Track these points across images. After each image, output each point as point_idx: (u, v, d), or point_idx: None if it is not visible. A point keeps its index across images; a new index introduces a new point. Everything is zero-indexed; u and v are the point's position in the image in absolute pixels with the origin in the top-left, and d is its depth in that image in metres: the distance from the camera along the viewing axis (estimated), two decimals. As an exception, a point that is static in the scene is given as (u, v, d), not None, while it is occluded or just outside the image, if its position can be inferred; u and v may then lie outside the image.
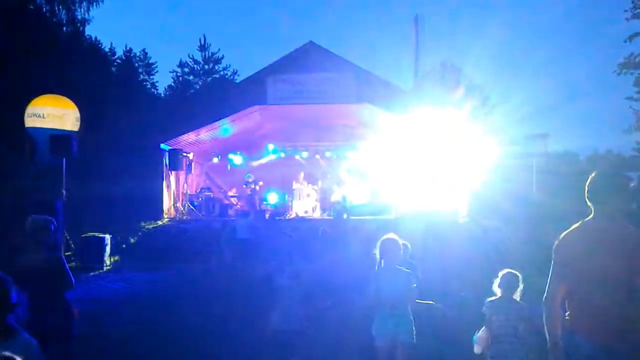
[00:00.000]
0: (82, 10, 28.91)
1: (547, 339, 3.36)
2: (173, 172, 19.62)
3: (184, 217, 19.51)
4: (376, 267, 5.23)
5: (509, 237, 14.60)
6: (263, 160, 21.94)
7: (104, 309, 9.75)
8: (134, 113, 23.61)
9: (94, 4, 29.20)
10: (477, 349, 4.86)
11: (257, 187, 20.50)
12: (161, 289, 11.87)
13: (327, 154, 21.14)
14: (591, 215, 3.43)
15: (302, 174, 20.77)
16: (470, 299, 9.98)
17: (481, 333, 4.85)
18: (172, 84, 43.29)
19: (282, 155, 21.55)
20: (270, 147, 21.62)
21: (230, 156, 21.69)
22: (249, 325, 7.16)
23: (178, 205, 20.25)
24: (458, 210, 19.42)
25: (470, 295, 10.31)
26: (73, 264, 14.04)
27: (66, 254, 14.10)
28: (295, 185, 20.62)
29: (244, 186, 20.52)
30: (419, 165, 20.64)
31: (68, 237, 14.60)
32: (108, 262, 14.88)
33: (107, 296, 11.22)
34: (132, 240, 16.11)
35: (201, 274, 13.41)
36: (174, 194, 20.19)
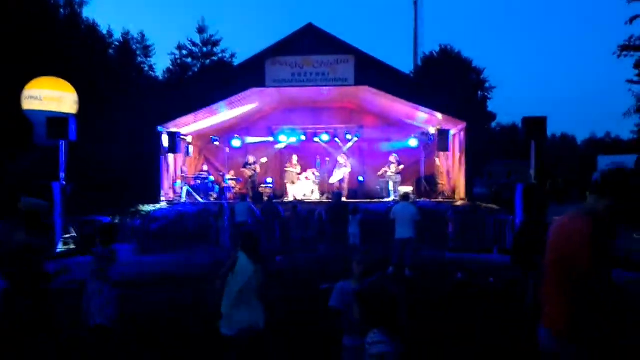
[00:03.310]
0: (80, -9, 28.75)
1: None
2: (171, 155, 19.59)
3: (182, 200, 19.52)
4: None
5: (507, 220, 14.66)
6: (256, 140, 21.88)
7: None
8: (132, 96, 23.56)
9: (91, -15, 29.00)
10: None
11: (258, 169, 20.49)
12: (158, 271, 11.90)
13: (325, 137, 21.06)
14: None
15: (294, 157, 20.72)
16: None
17: None
18: (170, 67, 43.09)
19: (292, 139, 21.31)
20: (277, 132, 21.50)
21: (229, 138, 21.60)
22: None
23: (176, 188, 20.24)
24: (458, 193, 19.51)
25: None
26: (72, 246, 14.07)
27: (65, 236, 14.17)
28: (287, 168, 20.59)
29: (244, 168, 20.49)
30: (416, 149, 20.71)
31: (66, 220, 14.62)
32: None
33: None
34: (130, 224, 16.10)
35: (199, 257, 13.49)
36: (172, 177, 20.18)
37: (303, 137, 21.19)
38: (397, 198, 18.49)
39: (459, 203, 18.10)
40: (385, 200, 18.81)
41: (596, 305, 3.04)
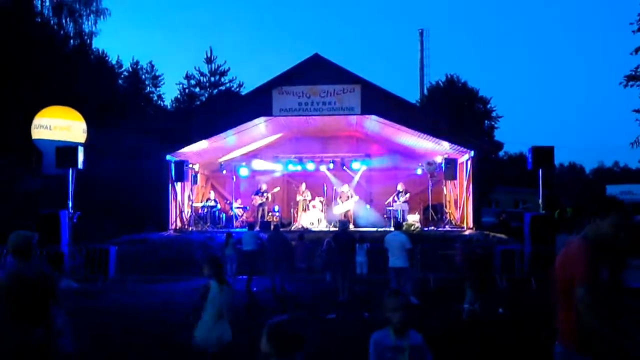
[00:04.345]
0: (90, 23, 29.27)
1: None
2: (179, 183, 19.63)
3: (189, 229, 19.51)
4: None
5: (516, 249, 14.52)
6: (264, 164, 21.84)
7: (108, 320, 9.73)
8: (141, 124, 23.71)
9: (101, 17, 29.57)
10: None
11: (269, 198, 20.52)
12: (165, 300, 11.83)
13: (332, 165, 21.08)
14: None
15: (303, 185, 20.74)
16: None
17: None
18: (179, 96, 43.45)
19: (298, 168, 21.31)
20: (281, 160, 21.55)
21: (236, 167, 21.62)
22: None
23: (184, 216, 20.25)
24: (466, 222, 19.40)
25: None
26: (78, 275, 14.05)
27: (72, 265, 14.14)
28: (298, 197, 20.61)
29: (255, 196, 20.51)
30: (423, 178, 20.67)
31: (74, 248, 14.61)
32: (113, 274, 14.85)
33: (111, 308, 11.20)
34: (137, 252, 16.05)
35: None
36: (180, 205, 20.20)
37: (311, 166, 21.19)
38: (404, 227, 18.42)
39: (467, 232, 17.98)
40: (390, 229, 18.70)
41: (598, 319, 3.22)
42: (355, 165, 21.06)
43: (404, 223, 18.97)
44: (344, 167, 21.18)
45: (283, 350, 2.80)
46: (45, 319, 4.81)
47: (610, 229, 3.37)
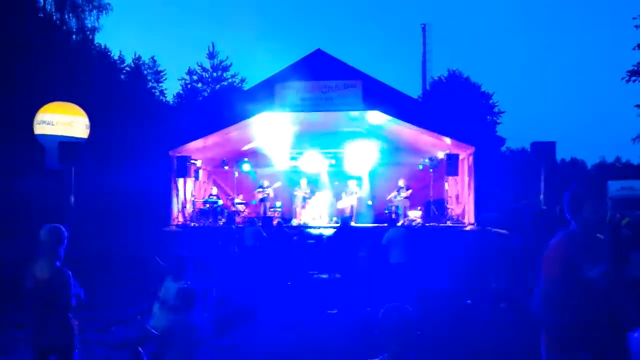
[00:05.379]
0: (92, 18, 29.30)
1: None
2: (181, 179, 19.66)
3: (192, 224, 19.55)
4: None
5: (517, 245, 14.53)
6: (268, 161, 21.79)
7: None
8: (142, 120, 23.74)
9: (104, 12, 29.60)
10: None
11: (271, 193, 20.54)
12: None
13: (333, 161, 21.07)
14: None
15: (304, 180, 20.73)
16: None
17: None
18: (181, 92, 43.48)
19: (300, 163, 21.29)
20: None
21: (239, 163, 21.62)
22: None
23: (185, 212, 20.29)
24: (468, 218, 19.42)
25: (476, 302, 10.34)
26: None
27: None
28: (297, 192, 20.61)
29: (258, 190, 20.55)
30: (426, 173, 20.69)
31: (75, 245, 14.62)
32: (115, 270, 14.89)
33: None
34: (139, 248, 16.07)
35: (207, 283, 13.40)
36: (182, 201, 20.23)
37: (312, 161, 21.16)
38: (406, 222, 18.45)
39: (468, 228, 17.99)
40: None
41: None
42: (357, 159, 21.04)
43: (405, 219, 19.02)
44: (344, 163, 21.16)
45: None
46: (59, 319, 4.80)
47: (592, 215, 3.36)
